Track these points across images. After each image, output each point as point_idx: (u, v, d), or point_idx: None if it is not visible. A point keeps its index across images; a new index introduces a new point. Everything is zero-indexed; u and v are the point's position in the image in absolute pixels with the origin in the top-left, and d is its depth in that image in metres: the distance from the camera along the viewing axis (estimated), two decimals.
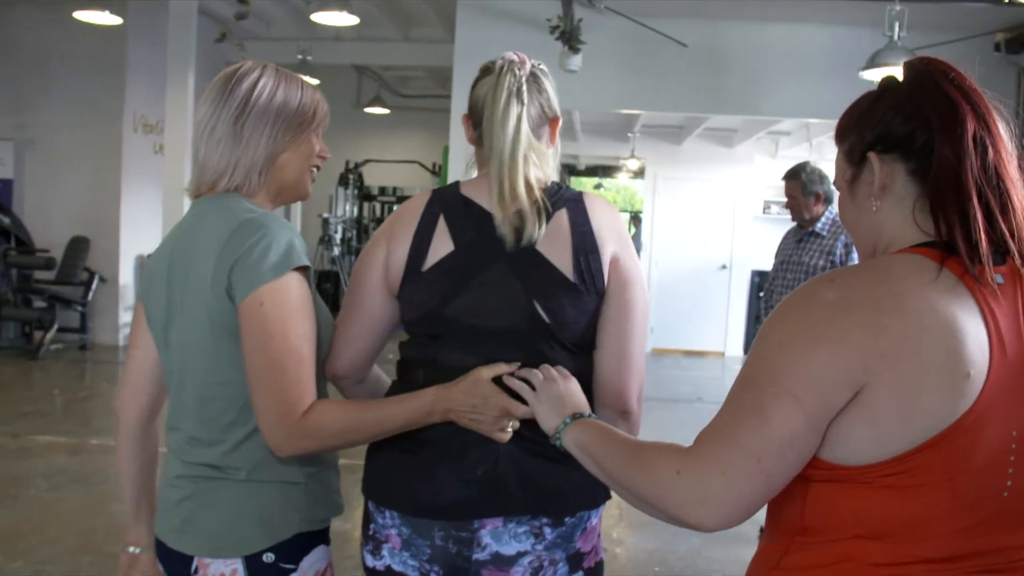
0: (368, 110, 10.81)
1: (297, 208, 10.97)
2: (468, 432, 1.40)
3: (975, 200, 1.00)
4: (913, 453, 0.96)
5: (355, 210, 12.42)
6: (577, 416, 1.30)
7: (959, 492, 0.97)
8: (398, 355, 1.55)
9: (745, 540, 4.21)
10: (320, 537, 1.45)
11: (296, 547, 1.39)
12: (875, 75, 5.23)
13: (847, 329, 0.97)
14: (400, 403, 1.39)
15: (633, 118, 9.15)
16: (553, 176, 1.52)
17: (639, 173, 10.82)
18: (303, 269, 1.34)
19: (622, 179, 12.67)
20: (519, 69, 1.47)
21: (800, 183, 4.15)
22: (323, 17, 6.79)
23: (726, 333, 10.67)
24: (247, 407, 1.36)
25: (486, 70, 1.53)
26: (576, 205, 1.47)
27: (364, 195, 12.60)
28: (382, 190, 12.83)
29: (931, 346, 0.95)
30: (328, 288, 11.66)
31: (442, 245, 1.45)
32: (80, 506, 4.25)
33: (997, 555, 1.00)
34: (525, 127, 1.45)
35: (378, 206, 12.96)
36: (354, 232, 12.26)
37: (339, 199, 11.86)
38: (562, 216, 1.45)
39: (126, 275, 8.94)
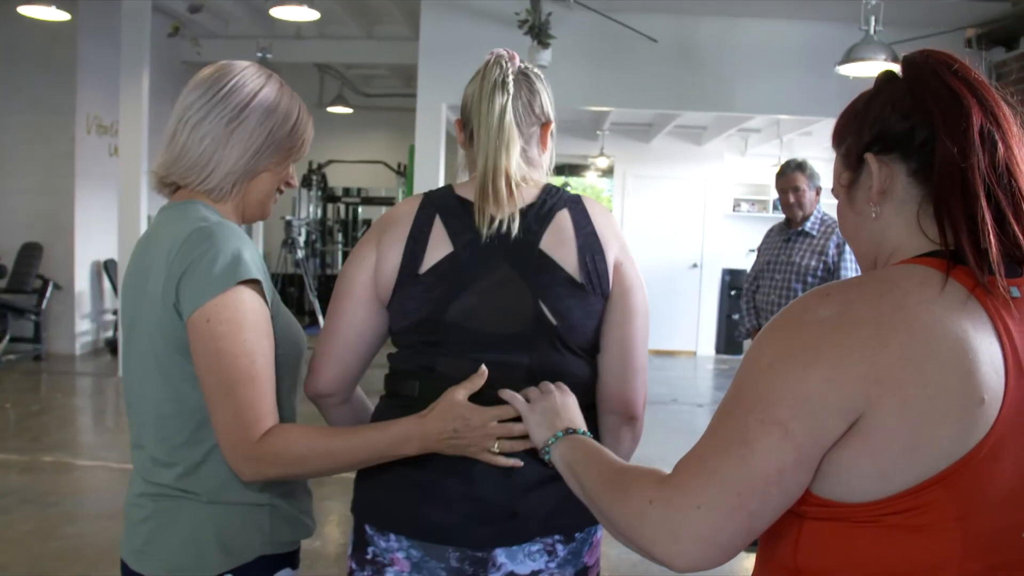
0: (331, 109, 10.60)
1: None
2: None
3: (983, 201, 0.90)
4: (920, 489, 0.86)
5: (319, 212, 12.19)
6: (569, 432, 1.23)
7: (972, 532, 0.88)
8: (387, 368, 1.47)
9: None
10: (286, 560, 1.39)
11: (260, 570, 1.34)
12: (851, 70, 5.15)
13: (844, 350, 0.86)
14: (370, 432, 1.31)
15: (602, 115, 9.02)
16: (544, 179, 1.50)
17: (607, 172, 10.68)
18: (253, 282, 1.26)
19: (590, 178, 12.54)
20: (506, 63, 1.44)
21: (807, 175, 4.01)
22: (283, 12, 6.57)
23: (697, 332, 10.58)
24: (202, 426, 1.30)
25: (477, 71, 1.48)
26: (577, 206, 1.44)
27: (328, 196, 12.37)
28: (347, 191, 12.60)
29: (939, 369, 0.85)
30: (293, 292, 11.42)
31: (439, 247, 1.39)
32: (32, 530, 4.00)
33: None
34: (509, 116, 1.40)
35: (343, 207, 12.74)
36: (318, 234, 12.03)
37: (303, 201, 11.61)
38: (564, 216, 1.41)
39: (82, 282, 8.64)
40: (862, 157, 1.00)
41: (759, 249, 4.45)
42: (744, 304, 4.50)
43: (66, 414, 6.60)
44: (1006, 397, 0.86)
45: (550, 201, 1.43)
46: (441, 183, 6.94)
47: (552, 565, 1.41)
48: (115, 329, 8.69)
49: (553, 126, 1.51)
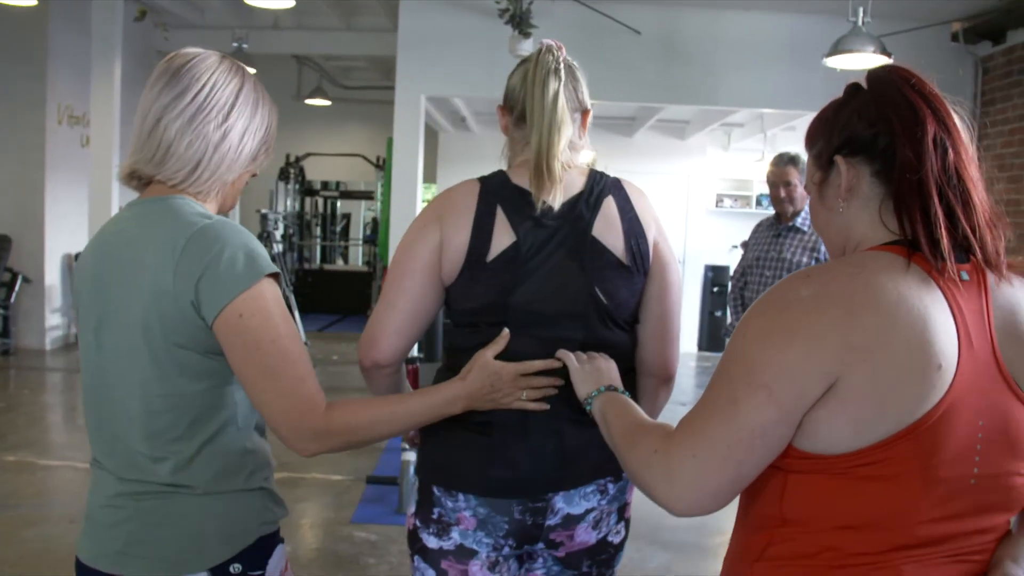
0: (309, 102, 10.43)
1: (236, 210, 10.50)
2: (530, 411, 1.49)
3: (936, 199, 1.03)
4: (888, 442, 0.99)
5: (296, 205, 12.00)
6: (610, 389, 1.40)
7: (932, 480, 1.00)
8: (446, 342, 1.62)
9: (713, 555, 3.99)
10: (276, 537, 1.42)
11: (259, 551, 1.36)
12: (839, 62, 5.06)
13: (823, 324, 1.00)
14: (424, 397, 1.43)
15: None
16: (587, 162, 1.62)
17: (590, 167, 10.58)
18: (272, 274, 1.30)
19: None
20: (557, 51, 1.56)
21: (799, 170, 3.89)
22: (259, 0, 6.39)
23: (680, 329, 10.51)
24: (198, 420, 1.31)
25: (523, 60, 1.61)
26: (620, 192, 1.57)
27: (306, 190, 12.19)
28: (325, 184, 12.43)
29: (905, 338, 0.98)
30: None
31: (503, 236, 1.49)
32: None
33: (967, 539, 1.04)
34: (562, 100, 1.52)
35: (320, 201, 12.56)
36: (296, 228, 11.84)
37: (280, 194, 11.43)
38: (611, 203, 1.55)
39: (52, 275, 8.44)
40: (832, 159, 1.13)
41: (747, 244, 4.33)
42: (731, 300, 4.39)
43: (34, 411, 6.42)
44: (959, 364, 0.99)
45: (597, 188, 1.55)
46: (420, 176, 6.81)
47: (603, 503, 1.56)
48: None
49: (591, 114, 1.64)
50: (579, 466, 1.53)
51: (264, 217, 9.38)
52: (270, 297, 1.28)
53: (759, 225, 4.25)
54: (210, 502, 1.32)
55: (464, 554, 1.53)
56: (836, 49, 4.95)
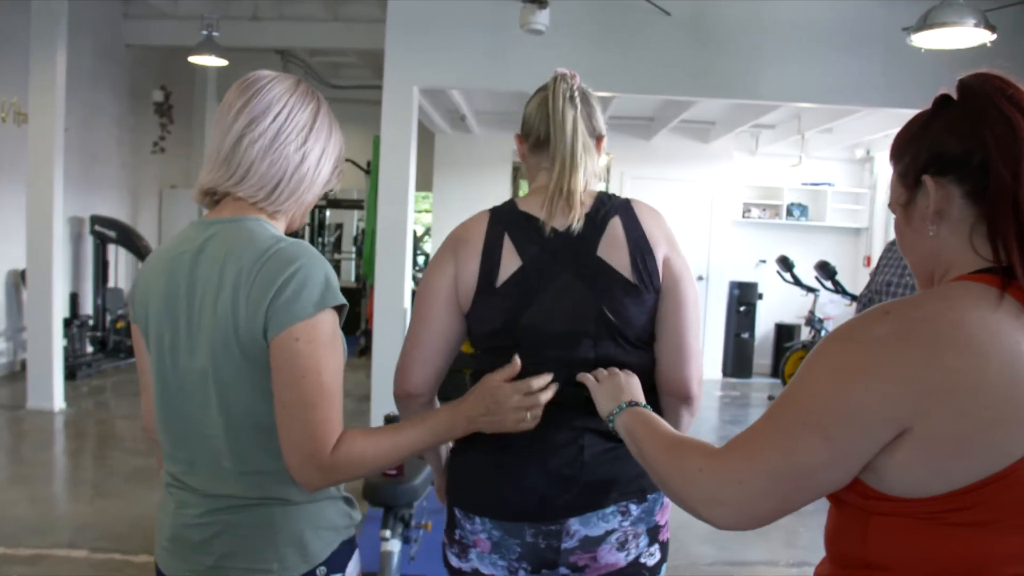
0: None
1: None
2: (548, 434, 1.52)
3: None
4: (978, 487, 0.93)
5: None
6: (632, 404, 1.41)
7: None
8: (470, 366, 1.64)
9: None
10: (354, 541, 1.48)
11: (341, 556, 1.42)
12: (925, 39, 4.09)
13: (896, 366, 0.95)
14: (423, 424, 1.45)
15: (601, 105, 7.93)
16: (599, 186, 1.69)
17: (603, 174, 9.55)
18: (339, 306, 1.33)
19: None
20: (571, 79, 1.63)
21: None
22: None
23: (703, 353, 9.49)
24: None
25: (540, 88, 1.67)
26: (627, 212, 1.61)
27: None
28: None
29: (993, 380, 0.93)
30: None
31: (511, 262, 1.56)
32: None
33: None
34: (582, 127, 1.61)
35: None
36: None
37: None
38: (616, 223, 1.59)
39: None
40: (919, 178, 1.06)
41: (877, 267, 3.37)
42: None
43: None
44: None
45: (603, 209, 1.60)
46: (412, 179, 5.82)
47: (626, 524, 1.56)
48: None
49: (605, 139, 1.70)
50: (597, 491, 1.54)
51: None
52: (328, 329, 1.31)
53: (892, 244, 3.28)
54: (300, 512, 1.38)
55: None
56: (925, 23, 3.98)
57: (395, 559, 3.19)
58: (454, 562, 1.62)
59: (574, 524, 1.54)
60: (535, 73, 5.79)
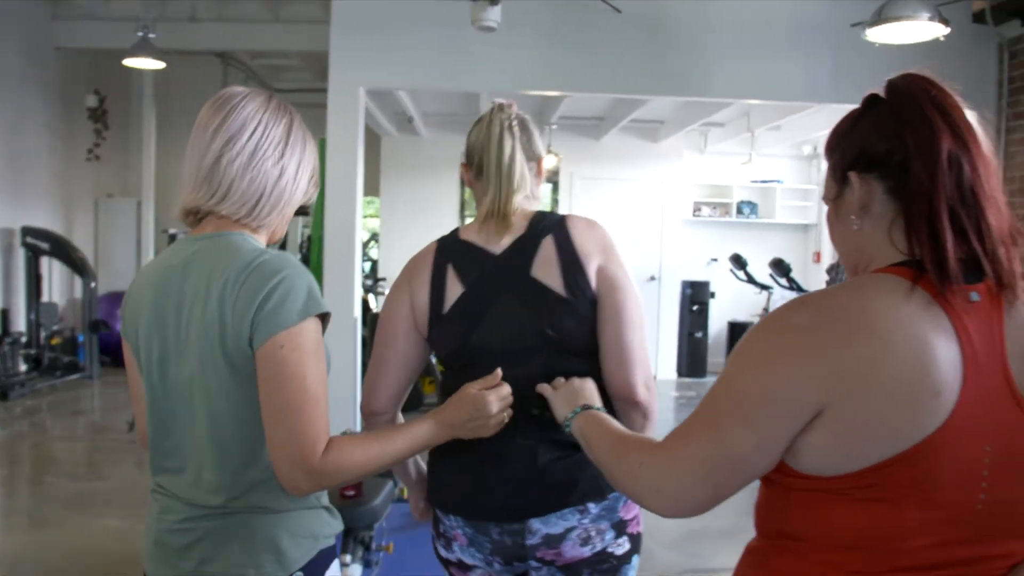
0: None
1: (150, 224, 9.24)
2: (506, 442, 1.61)
3: (945, 220, 1.02)
4: (882, 467, 1.00)
5: None
6: (586, 407, 1.48)
7: (931, 505, 1.01)
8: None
9: None
10: (334, 550, 1.50)
11: (319, 564, 1.45)
12: (880, 34, 4.05)
13: (809, 353, 1.02)
14: (406, 432, 1.51)
15: (551, 105, 7.83)
16: (540, 207, 1.78)
17: (552, 175, 9.39)
18: (322, 315, 1.37)
19: None
20: (508, 109, 1.75)
21: None
22: None
23: (656, 354, 9.42)
24: (264, 446, 1.37)
25: (479, 119, 1.78)
26: (560, 230, 1.68)
27: None
28: None
29: (899, 367, 0.98)
30: None
31: (454, 289, 1.69)
32: None
33: (978, 564, 1.04)
34: (519, 156, 1.72)
35: None
36: None
37: None
38: (549, 242, 1.67)
39: None
40: (847, 174, 1.12)
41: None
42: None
43: None
44: (964, 390, 0.99)
45: (536, 230, 1.69)
46: (360, 184, 5.64)
47: (586, 521, 1.64)
48: None
49: (544, 160, 1.81)
50: (554, 494, 1.62)
51: (173, 238, 8.05)
52: (312, 337, 1.34)
53: None
54: (280, 520, 1.40)
55: (464, 567, 1.73)
56: (880, 18, 3.94)
57: None
58: (443, 553, 1.75)
59: (535, 523, 1.63)
60: (486, 73, 5.70)
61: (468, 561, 1.71)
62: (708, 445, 1.07)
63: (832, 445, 1.01)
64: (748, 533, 1.19)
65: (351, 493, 2.98)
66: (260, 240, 1.47)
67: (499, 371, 1.58)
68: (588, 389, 1.55)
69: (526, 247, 1.66)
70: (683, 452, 1.10)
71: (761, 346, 1.07)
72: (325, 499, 1.51)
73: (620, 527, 1.67)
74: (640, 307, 1.67)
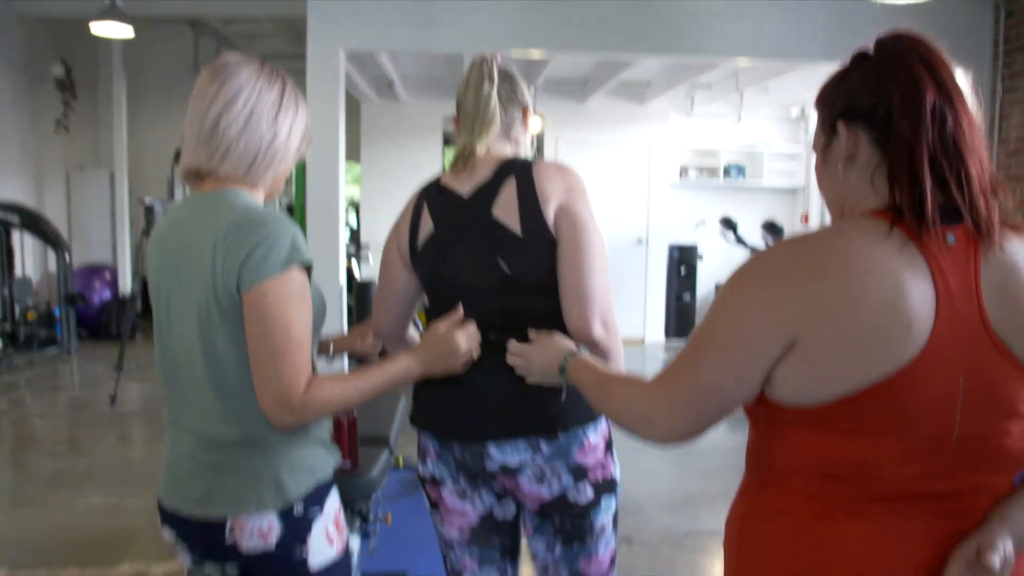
0: None
1: (124, 195, 9.00)
2: (478, 372, 1.74)
3: (926, 169, 1.07)
4: (857, 397, 1.04)
5: None
6: (568, 356, 1.58)
7: (906, 435, 1.05)
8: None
9: None
10: (332, 481, 1.62)
11: (318, 494, 1.57)
12: None
13: (785, 288, 1.07)
14: (383, 370, 1.63)
15: (534, 68, 7.65)
16: (525, 154, 1.88)
17: (537, 139, 9.24)
18: (306, 266, 1.48)
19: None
20: (491, 59, 1.81)
21: None
22: None
23: (645, 317, 9.36)
24: None
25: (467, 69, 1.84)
26: (525, 173, 1.74)
27: None
28: None
29: (872, 300, 1.03)
30: None
31: (427, 227, 1.82)
32: None
33: (958, 497, 1.08)
34: (494, 101, 1.78)
35: None
36: None
37: (178, 183, 9.88)
38: (511, 183, 1.74)
39: None
40: (835, 125, 1.17)
41: None
42: None
43: None
44: (937, 324, 1.03)
45: (503, 173, 1.75)
46: (342, 151, 5.48)
47: (538, 459, 1.74)
48: None
49: (530, 110, 1.88)
50: (509, 420, 1.73)
51: (149, 209, 7.82)
52: (295, 285, 1.46)
53: None
54: (279, 453, 1.53)
55: (435, 482, 1.88)
56: None
57: (355, 557, 2.92)
58: (420, 470, 1.90)
59: (492, 448, 1.75)
60: (468, 33, 5.52)
61: (438, 476, 1.86)
62: (689, 375, 1.16)
63: (806, 374, 1.06)
64: None
65: (347, 466, 2.86)
66: (258, 196, 1.59)
67: (460, 307, 1.73)
68: (556, 339, 1.65)
69: (491, 188, 1.74)
70: (668, 383, 1.19)
71: (739, 284, 1.13)
72: (324, 434, 1.62)
73: (579, 473, 1.75)
74: (603, 249, 1.70)
